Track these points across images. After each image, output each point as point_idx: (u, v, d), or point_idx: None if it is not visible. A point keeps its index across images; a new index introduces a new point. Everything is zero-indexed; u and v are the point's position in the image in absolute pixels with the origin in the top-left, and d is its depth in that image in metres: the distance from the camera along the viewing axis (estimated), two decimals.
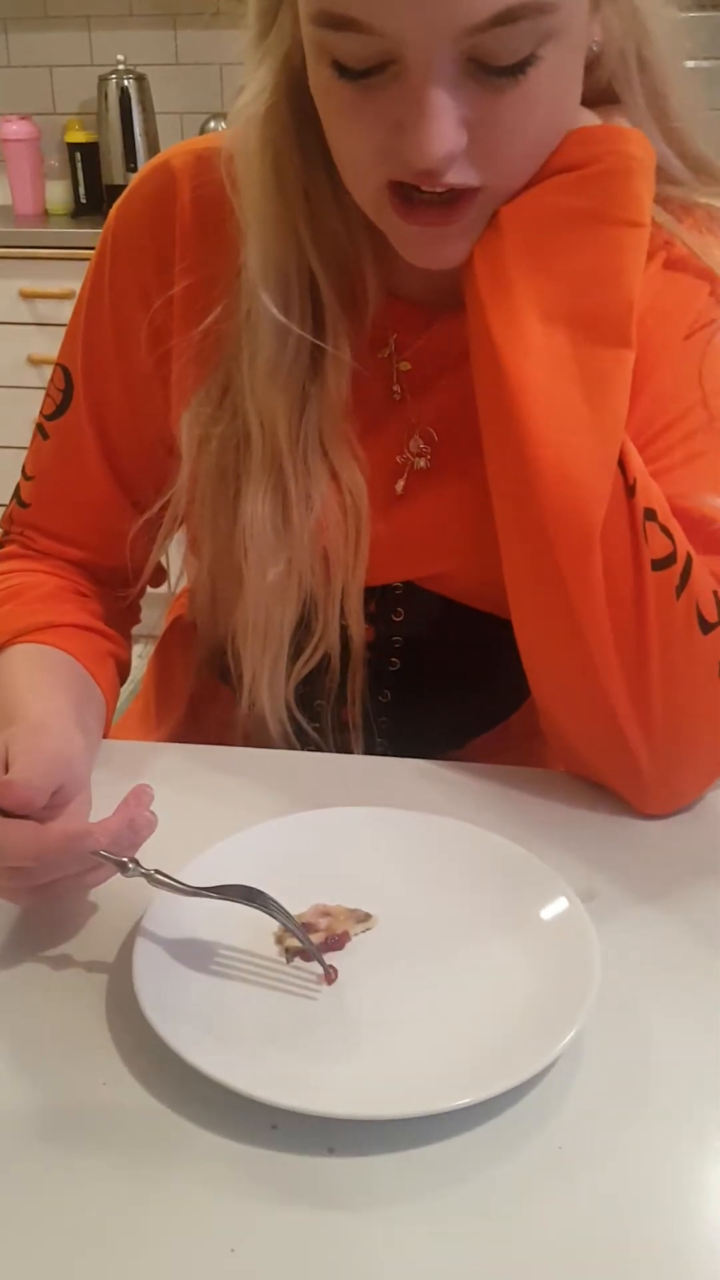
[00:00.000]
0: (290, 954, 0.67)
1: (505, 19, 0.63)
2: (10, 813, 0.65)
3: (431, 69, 0.64)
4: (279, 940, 0.68)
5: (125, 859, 0.66)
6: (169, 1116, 0.58)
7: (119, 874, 0.66)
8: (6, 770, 0.67)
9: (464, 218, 0.72)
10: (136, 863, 0.66)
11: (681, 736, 0.77)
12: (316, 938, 0.67)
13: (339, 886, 0.71)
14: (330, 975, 0.65)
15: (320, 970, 0.65)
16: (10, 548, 0.96)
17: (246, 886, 0.67)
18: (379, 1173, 0.55)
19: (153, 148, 3.03)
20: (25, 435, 0.98)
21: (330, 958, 0.66)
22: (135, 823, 0.65)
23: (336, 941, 0.67)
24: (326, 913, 0.69)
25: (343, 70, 0.67)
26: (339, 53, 0.66)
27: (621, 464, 0.73)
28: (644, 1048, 0.62)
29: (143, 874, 0.66)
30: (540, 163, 0.72)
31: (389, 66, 0.66)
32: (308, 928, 0.68)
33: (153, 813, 0.66)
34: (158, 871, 0.66)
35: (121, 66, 2.98)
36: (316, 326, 0.80)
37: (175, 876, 0.67)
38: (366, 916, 0.69)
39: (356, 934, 0.68)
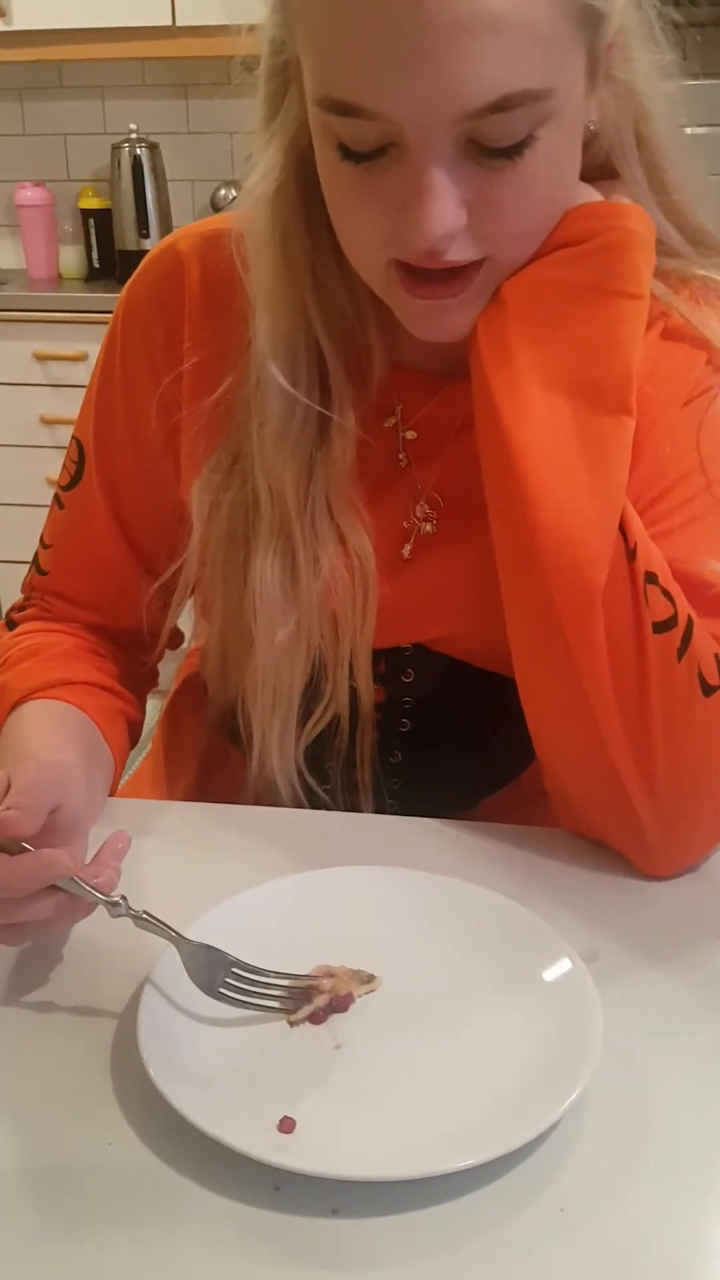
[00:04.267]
0: (295, 1019, 0.67)
1: (502, 106, 0.65)
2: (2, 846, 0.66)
3: (431, 151, 0.67)
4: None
5: (115, 898, 0.67)
6: (172, 1177, 0.58)
7: (109, 917, 0.67)
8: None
9: (467, 289, 0.74)
10: (125, 901, 0.67)
11: (685, 798, 0.78)
12: (320, 999, 0.67)
13: (343, 945, 0.71)
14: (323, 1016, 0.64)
15: (326, 1035, 0.66)
16: (30, 610, 0.99)
17: (229, 957, 0.67)
18: (382, 1234, 0.55)
19: (164, 214, 3.09)
20: (38, 493, 1.01)
21: (334, 1019, 0.67)
22: (99, 874, 0.67)
23: (341, 1003, 0.67)
24: (330, 973, 0.69)
25: (347, 152, 0.69)
26: (343, 135, 0.69)
27: (622, 528, 0.74)
28: (646, 1109, 0.62)
29: (130, 914, 0.67)
30: (541, 238, 0.75)
31: (390, 149, 0.68)
32: (313, 989, 0.68)
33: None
34: (145, 913, 0.67)
35: (134, 135, 3.04)
36: (323, 396, 0.82)
37: (165, 921, 0.67)
38: (370, 978, 0.69)
39: (360, 995, 0.68)
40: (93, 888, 0.66)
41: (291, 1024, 0.67)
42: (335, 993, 0.68)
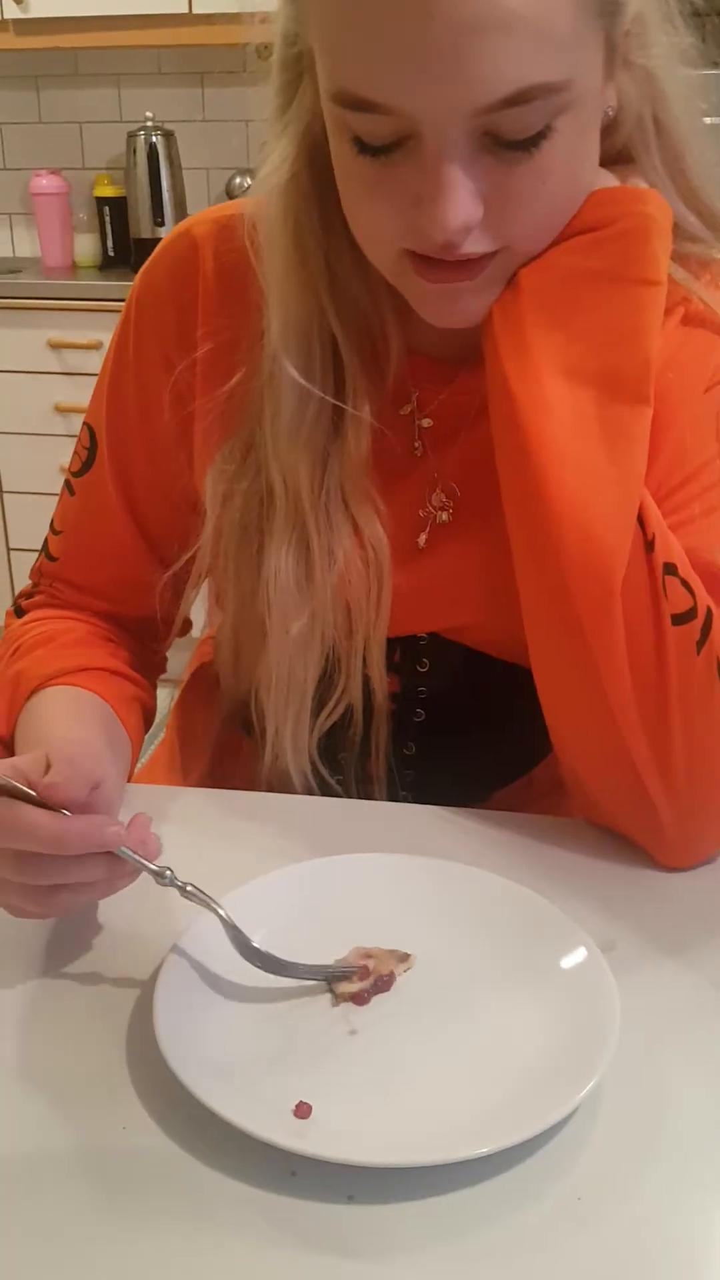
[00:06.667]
0: (339, 999, 0.67)
1: (518, 100, 0.64)
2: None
3: (447, 145, 0.66)
4: (331, 985, 0.68)
5: (161, 869, 0.67)
6: (189, 1161, 0.58)
7: (154, 883, 0.68)
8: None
9: (482, 273, 0.74)
10: (171, 872, 0.68)
11: (702, 790, 0.77)
12: (368, 980, 0.68)
13: (359, 933, 0.71)
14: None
15: (342, 1021, 0.66)
16: (39, 598, 0.99)
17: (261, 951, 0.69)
18: (398, 1221, 0.55)
19: (180, 202, 3.09)
20: (52, 482, 1.00)
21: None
22: (149, 842, 0.68)
23: (384, 983, 0.68)
24: (368, 955, 0.69)
25: (362, 146, 0.69)
26: (358, 130, 0.68)
27: (640, 519, 0.74)
28: (663, 1098, 0.62)
29: (175, 885, 0.68)
30: (559, 228, 0.74)
31: (406, 142, 0.68)
32: (360, 973, 0.68)
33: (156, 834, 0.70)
34: (190, 885, 0.68)
35: (150, 123, 3.04)
36: (337, 388, 0.82)
37: (209, 894, 0.69)
38: (406, 956, 0.69)
39: (401, 974, 0.69)
40: (140, 856, 0.67)
41: (336, 999, 0.67)
42: (378, 973, 0.68)
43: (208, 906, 0.68)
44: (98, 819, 0.66)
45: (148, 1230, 0.55)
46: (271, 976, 0.68)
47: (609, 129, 0.75)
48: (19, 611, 0.99)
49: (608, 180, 0.76)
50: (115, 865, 0.67)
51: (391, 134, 0.67)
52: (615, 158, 0.78)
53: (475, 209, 0.68)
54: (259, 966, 0.68)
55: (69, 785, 0.66)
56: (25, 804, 0.65)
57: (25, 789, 0.65)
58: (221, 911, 0.68)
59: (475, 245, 0.71)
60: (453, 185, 0.67)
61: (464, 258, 0.71)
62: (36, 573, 1.00)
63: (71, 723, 0.83)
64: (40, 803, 0.66)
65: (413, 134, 0.67)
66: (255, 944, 0.68)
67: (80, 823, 0.65)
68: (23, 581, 1.01)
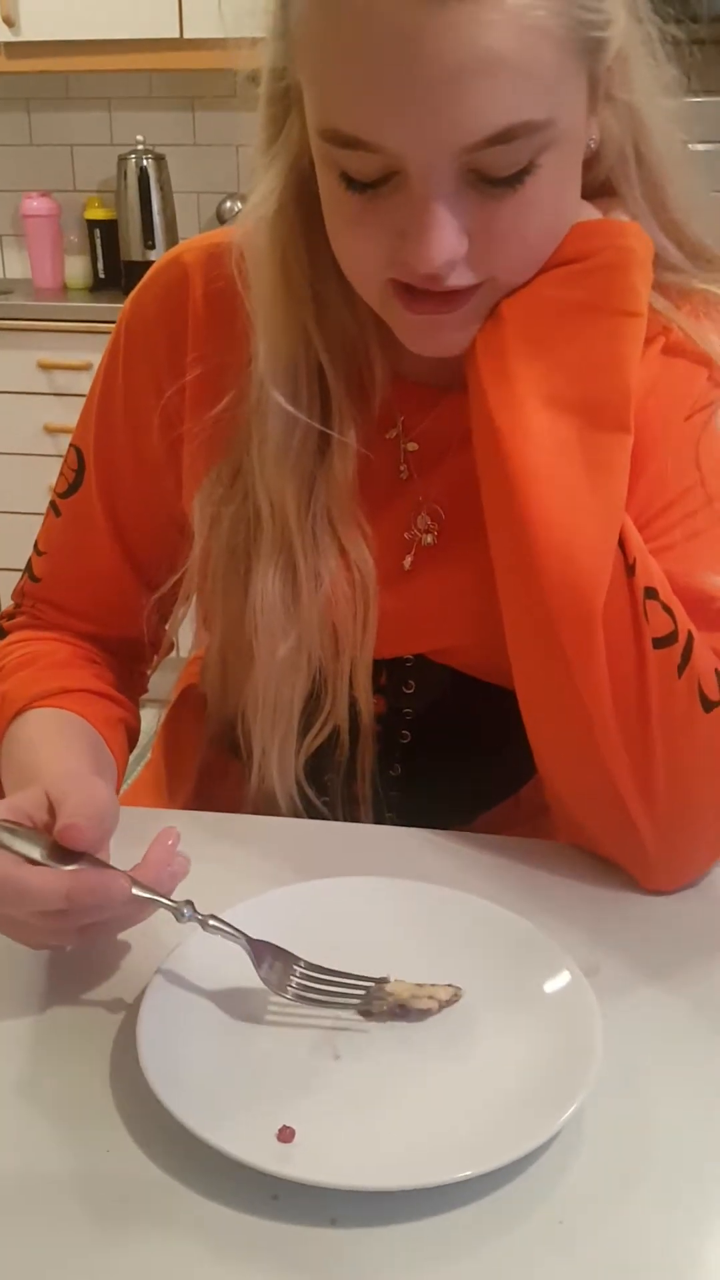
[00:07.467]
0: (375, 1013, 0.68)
1: (503, 138, 0.66)
2: (72, 852, 0.66)
3: (432, 183, 0.67)
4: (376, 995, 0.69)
5: (179, 905, 0.67)
6: (171, 1185, 0.58)
7: (171, 918, 0.68)
8: (49, 815, 0.69)
9: (465, 306, 0.75)
10: (191, 906, 0.68)
11: (685, 814, 0.78)
12: (390, 1003, 0.68)
13: (342, 956, 0.71)
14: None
15: (326, 1045, 0.66)
16: (21, 619, 0.99)
17: (297, 958, 0.69)
18: (381, 1244, 0.55)
19: (170, 226, 3.10)
20: (41, 502, 1.01)
21: (335, 1031, 0.67)
22: (172, 868, 0.68)
23: (413, 1015, 0.68)
24: (428, 997, 0.69)
25: (350, 182, 0.70)
26: (346, 166, 0.69)
27: (621, 544, 0.74)
28: (645, 1123, 0.62)
29: (196, 919, 0.68)
30: (543, 260, 0.75)
31: (392, 178, 0.69)
32: (406, 1010, 0.68)
33: (183, 854, 0.69)
34: (213, 917, 0.68)
35: (141, 146, 3.06)
36: (324, 414, 0.83)
37: (230, 923, 0.69)
38: (455, 993, 0.69)
39: (426, 1008, 0.68)
40: (158, 894, 0.67)
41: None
42: (414, 1003, 0.68)
43: (235, 940, 0.68)
44: (100, 876, 0.65)
45: (129, 1253, 0.55)
46: (256, 998, 0.68)
47: (591, 162, 0.76)
48: (0, 633, 0.99)
49: (590, 213, 0.77)
50: (136, 899, 0.67)
51: (378, 170, 0.68)
52: (598, 190, 0.79)
53: (460, 244, 0.70)
54: (289, 997, 0.68)
55: (89, 829, 0.66)
56: (27, 868, 0.65)
57: (22, 850, 0.65)
58: (248, 944, 0.68)
59: (460, 278, 0.72)
60: (438, 222, 0.68)
61: (449, 289, 0.72)
62: (19, 593, 1.00)
63: (59, 751, 0.83)
64: (42, 844, 0.66)
65: (399, 170, 0.68)
66: (289, 986, 0.68)
67: (86, 879, 0.64)
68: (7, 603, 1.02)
